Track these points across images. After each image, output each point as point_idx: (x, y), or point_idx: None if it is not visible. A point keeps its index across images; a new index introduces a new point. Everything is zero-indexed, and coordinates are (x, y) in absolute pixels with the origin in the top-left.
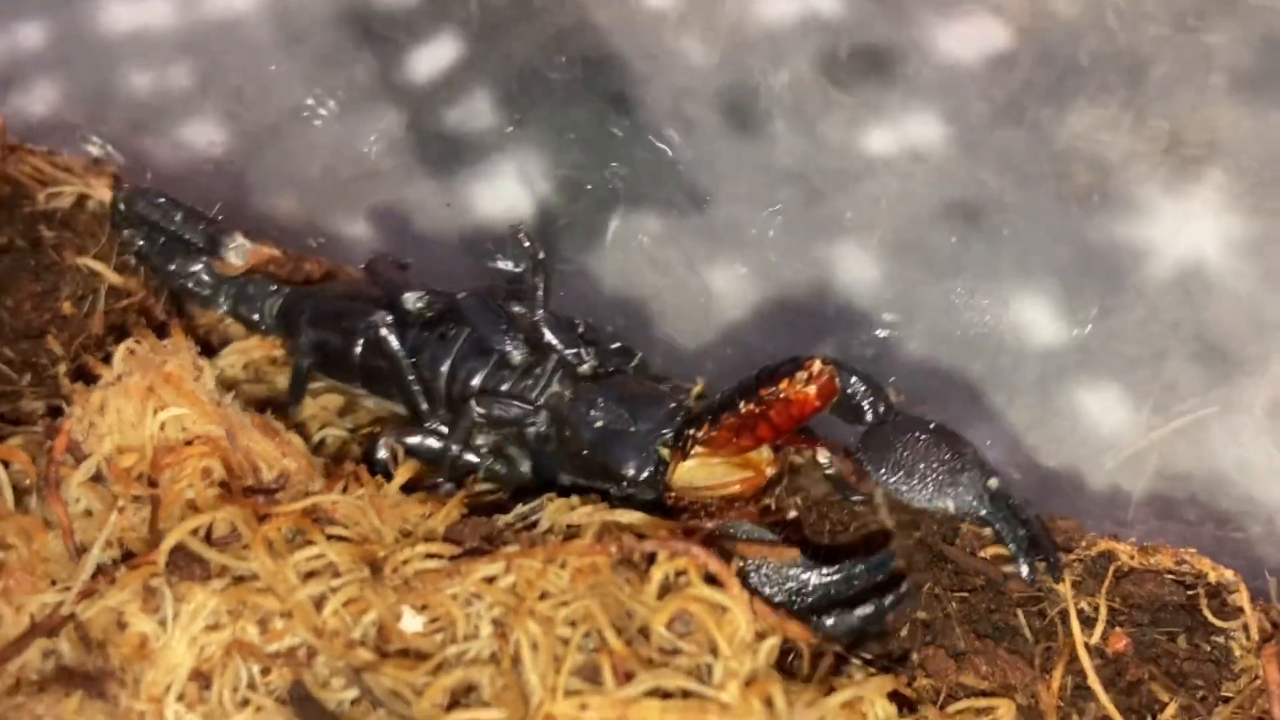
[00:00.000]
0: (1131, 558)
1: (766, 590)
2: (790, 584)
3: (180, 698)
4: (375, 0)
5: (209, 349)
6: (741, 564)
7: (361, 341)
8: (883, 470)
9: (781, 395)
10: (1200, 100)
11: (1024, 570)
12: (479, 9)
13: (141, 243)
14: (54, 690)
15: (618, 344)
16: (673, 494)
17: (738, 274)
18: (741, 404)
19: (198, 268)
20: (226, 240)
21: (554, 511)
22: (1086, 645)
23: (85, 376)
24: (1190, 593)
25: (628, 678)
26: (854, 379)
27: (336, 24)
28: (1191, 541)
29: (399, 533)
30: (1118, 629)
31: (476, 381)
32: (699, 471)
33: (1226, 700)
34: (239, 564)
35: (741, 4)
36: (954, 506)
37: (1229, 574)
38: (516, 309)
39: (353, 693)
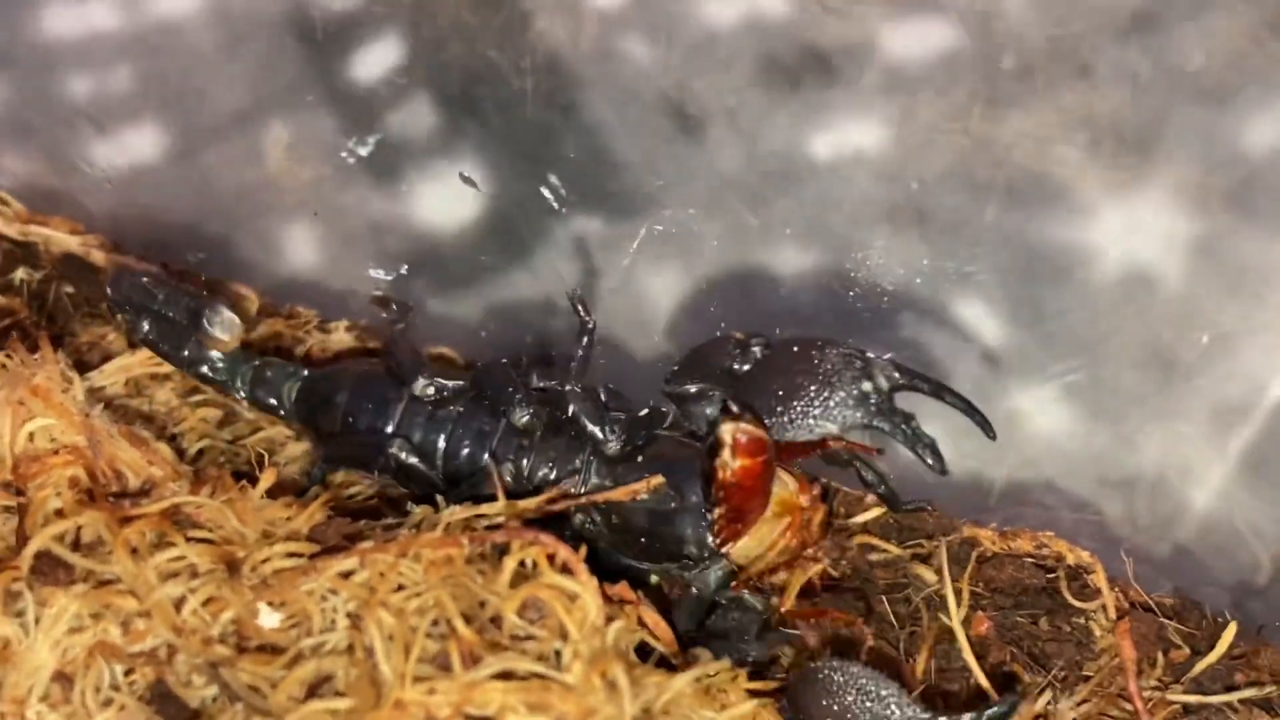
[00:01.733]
0: (993, 543)
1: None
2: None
3: (44, 699)
4: (318, 3)
5: (88, 366)
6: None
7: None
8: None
9: (729, 482)
10: (1146, 102)
11: (932, 465)
12: (422, 12)
13: (144, 327)
14: None
15: (646, 410)
16: (745, 574)
17: (682, 277)
18: (713, 491)
19: (212, 353)
20: (211, 315)
21: (422, 512)
22: (947, 629)
23: None
24: (1050, 575)
25: (476, 663)
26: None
27: (278, 27)
28: (1050, 526)
29: (261, 534)
30: (980, 612)
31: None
32: (751, 543)
33: (1087, 679)
34: (102, 568)
35: (685, 5)
36: (836, 426)
37: (1086, 556)
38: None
39: (213, 689)
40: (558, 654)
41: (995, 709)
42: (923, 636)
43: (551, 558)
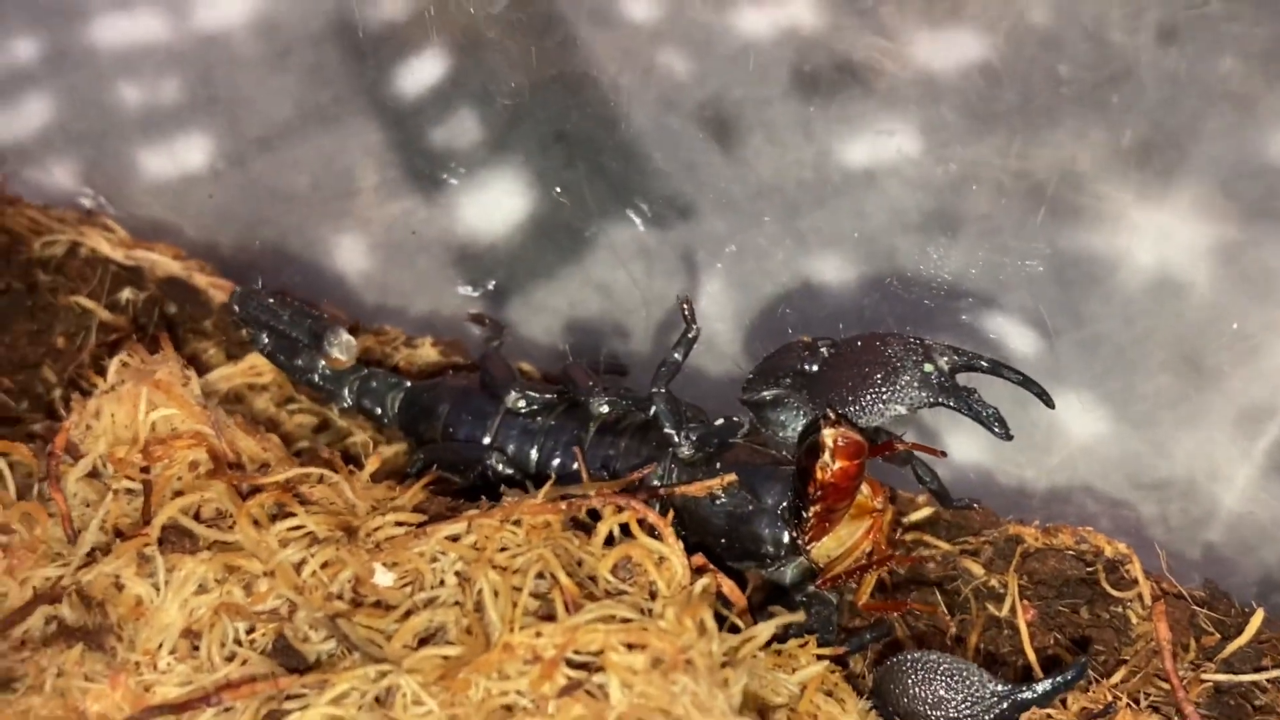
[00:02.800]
0: (1036, 539)
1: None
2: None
3: (173, 652)
4: (362, 17)
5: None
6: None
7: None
8: (829, 404)
9: (828, 482)
10: (1173, 111)
11: (998, 433)
12: (464, 26)
13: (265, 339)
14: (57, 644)
15: (721, 420)
16: (825, 575)
17: (719, 286)
18: (810, 490)
19: (320, 363)
20: (331, 337)
21: (516, 493)
22: (997, 618)
23: (82, 393)
24: (1089, 568)
25: (578, 610)
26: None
27: (324, 40)
28: (1088, 523)
29: (371, 508)
30: (1025, 601)
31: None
32: (831, 543)
33: (1125, 662)
34: (225, 536)
35: (720, 17)
36: (905, 408)
37: (1123, 548)
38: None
39: (331, 644)
40: (648, 611)
41: (1070, 672)
42: (972, 624)
43: (641, 522)
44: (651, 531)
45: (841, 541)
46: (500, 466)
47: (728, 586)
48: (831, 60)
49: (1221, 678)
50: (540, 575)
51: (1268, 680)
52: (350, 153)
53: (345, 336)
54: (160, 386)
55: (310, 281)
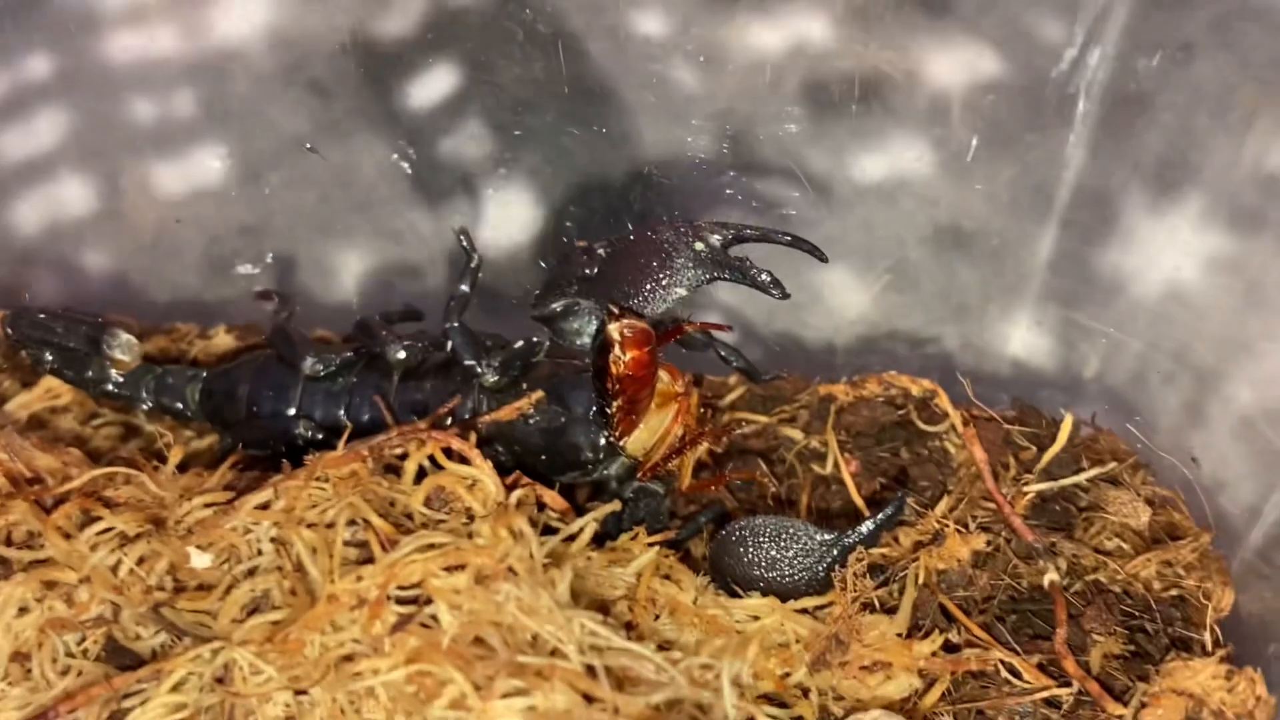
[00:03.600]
0: (847, 394)
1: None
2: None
3: (5, 678)
4: (373, 31)
5: None
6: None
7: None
8: (615, 299)
9: (623, 375)
10: (1183, 126)
11: (774, 294)
12: (474, 40)
13: (48, 358)
14: None
15: (520, 341)
16: (645, 466)
17: (730, 300)
18: (609, 386)
19: (111, 370)
20: (109, 339)
21: (320, 453)
22: (824, 476)
23: None
24: (901, 410)
25: (395, 548)
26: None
27: (335, 54)
28: (892, 366)
29: (179, 496)
30: (846, 455)
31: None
32: (643, 434)
33: (950, 492)
34: (36, 554)
35: (731, 32)
36: (685, 288)
37: (929, 384)
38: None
39: (161, 636)
40: (469, 534)
41: (889, 508)
42: (801, 486)
43: (448, 452)
44: (461, 460)
45: (653, 431)
46: (310, 433)
47: (549, 495)
48: (841, 75)
49: (1042, 486)
50: (353, 522)
51: (1087, 480)
52: (361, 167)
53: (124, 336)
54: None
55: (317, 295)
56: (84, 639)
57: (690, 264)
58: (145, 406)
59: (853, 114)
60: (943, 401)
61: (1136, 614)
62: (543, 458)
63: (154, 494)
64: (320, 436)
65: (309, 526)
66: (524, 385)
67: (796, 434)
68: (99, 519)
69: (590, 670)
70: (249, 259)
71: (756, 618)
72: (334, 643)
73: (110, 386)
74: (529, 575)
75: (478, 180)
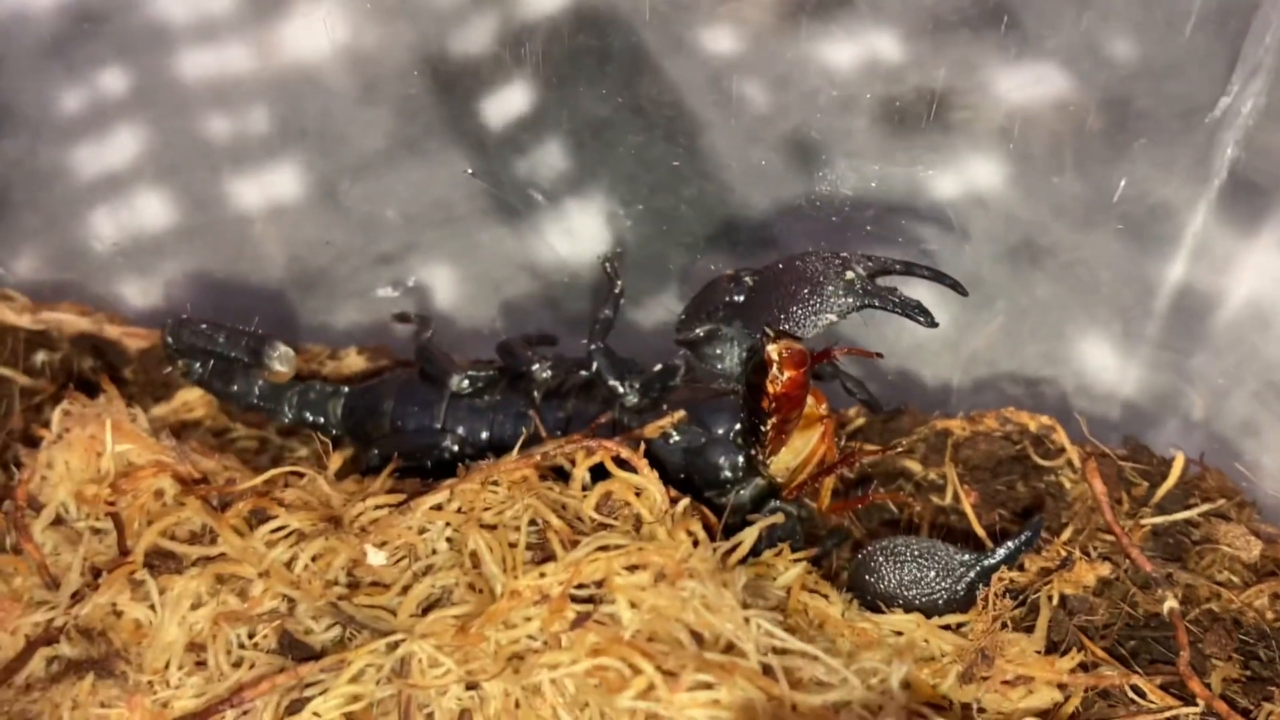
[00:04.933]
0: (963, 429)
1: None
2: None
3: (180, 667)
4: (449, 49)
5: None
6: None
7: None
8: (767, 323)
9: (780, 394)
10: (1257, 140)
11: (923, 321)
12: (549, 58)
13: (199, 369)
14: (66, 680)
15: (659, 365)
16: (789, 487)
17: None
18: (764, 406)
19: (259, 384)
20: (270, 350)
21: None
22: (943, 508)
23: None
24: (1017, 446)
25: (574, 547)
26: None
27: (411, 72)
28: (1008, 403)
29: (344, 500)
30: (965, 487)
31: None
32: (787, 456)
33: (1067, 524)
34: (209, 550)
35: (803, 49)
36: (835, 315)
37: (1046, 420)
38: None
39: (335, 631)
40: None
41: (1028, 532)
42: (921, 517)
43: (617, 460)
44: (625, 468)
45: (797, 452)
46: (456, 448)
47: (702, 509)
48: (914, 92)
49: (1158, 520)
50: (531, 523)
51: (1199, 515)
52: (439, 183)
53: (284, 348)
54: (111, 425)
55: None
56: (255, 632)
57: (840, 291)
58: (286, 419)
59: (924, 130)
60: (1060, 437)
61: (1251, 641)
62: (681, 476)
63: (322, 495)
64: (467, 451)
65: (485, 527)
66: (664, 406)
67: (916, 466)
68: (273, 517)
69: (767, 669)
70: (341, 276)
71: (900, 633)
72: (511, 638)
73: (254, 399)
74: (709, 576)
75: (555, 196)
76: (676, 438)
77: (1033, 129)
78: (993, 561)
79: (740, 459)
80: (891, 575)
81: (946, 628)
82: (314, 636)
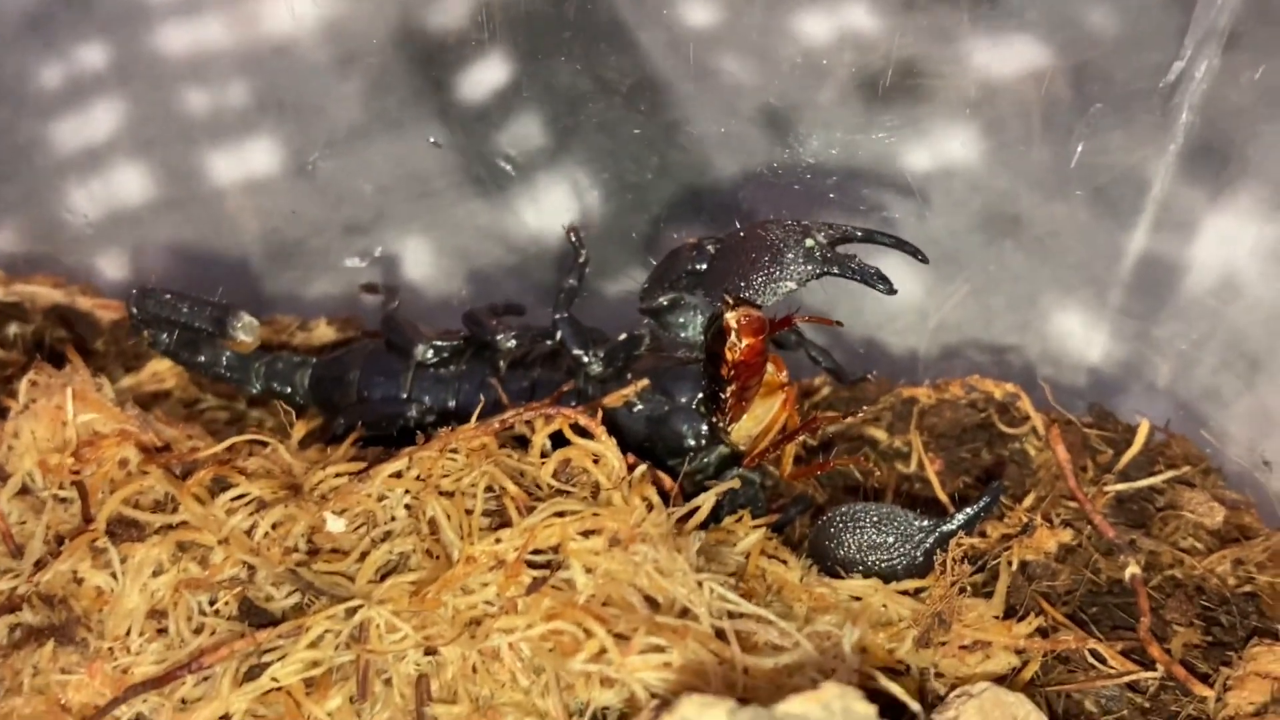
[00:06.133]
0: (929, 397)
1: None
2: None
3: (141, 634)
4: (426, 23)
5: None
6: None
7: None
8: (726, 291)
9: (739, 361)
10: (1231, 113)
11: (882, 288)
12: (526, 31)
13: (165, 339)
14: (27, 646)
15: (624, 335)
16: (751, 454)
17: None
18: (724, 373)
19: (225, 354)
20: (233, 320)
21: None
22: (907, 475)
23: None
24: (982, 413)
25: (530, 513)
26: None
27: (389, 46)
28: (975, 372)
29: (306, 468)
30: (929, 455)
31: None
32: (749, 423)
33: (1031, 491)
34: (170, 519)
35: (780, 22)
36: (795, 283)
37: (1011, 387)
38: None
39: (295, 598)
40: (594, 499)
41: (986, 497)
42: (885, 484)
43: (574, 427)
44: (583, 435)
45: (759, 420)
46: (421, 416)
47: (662, 477)
48: (891, 64)
49: (1121, 487)
50: (489, 490)
51: (1163, 482)
52: (414, 156)
53: (248, 318)
54: (76, 395)
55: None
56: (216, 599)
57: (800, 259)
58: (254, 390)
59: (899, 102)
60: (1024, 405)
61: (1212, 607)
62: (644, 444)
63: (284, 464)
64: (431, 419)
65: (444, 493)
66: (628, 375)
67: (881, 434)
68: (233, 485)
69: (719, 633)
70: (316, 248)
71: (858, 599)
72: (468, 603)
73: (221, 369)
74: (662, 540)
75: (531, 170)
76: (640, 406)
77: (1009, 100)
78: (951, 527)
79: (703, 426)
80: (851, 541)
81: (905, 593)
82: (274, 603)
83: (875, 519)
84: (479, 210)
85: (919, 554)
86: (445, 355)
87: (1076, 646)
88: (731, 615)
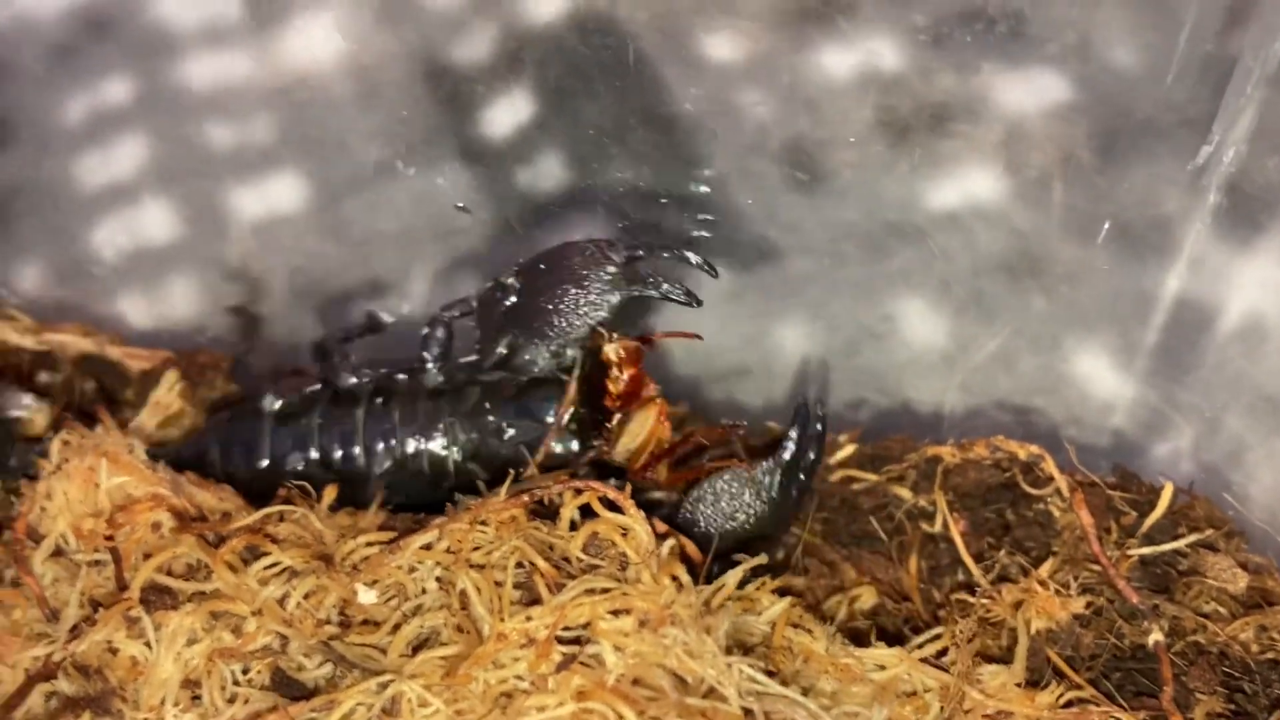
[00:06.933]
0: (953, 455)
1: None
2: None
3: (176, 704)
4: (450, 59)
5: None
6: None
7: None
8: (533, 334)
9: (623, 392)
10: (1256, 153)
11: (687, 303)
12: (551, 68)
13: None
14: (63, 717)
15: (472, 355)
16: (634, 469)
17: (804, 328)
18: (609, 405)
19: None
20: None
21: (468, 500)
22: (932, 535)
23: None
24: (1007, 473)
25: (560, 590)
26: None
27: (413, 81)
28: (1000, 432)
29: (337, 535)
30: (954, 515)
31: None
32: (625, 440)
33: (1055, 553)
34: (203, 586)
35: (803, 59)
36: (607, 311)
37: (1035, 449)
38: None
39: (327, 669)
40: (624, 579)
41: (801, 417)
42: (910, 544)
43: (603, 500)
44: (611, 506)
45: (635, 435)
46: (292, 478)
47: (690, 547)
48: (914, 101)
49: (1145, 551)
50: (519, 565)
51: (1186, 545)
52: (439, 194)
53: (29, 399)
54: (108, 457)
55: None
56: (249, 668)
57: (605, 286)
58: None
59: (925, 140)
60: (1049, 466)
61: (1236, 675)
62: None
63: (315, 530)
64: (302, 478)
65: (474, 567)
66: (487, 406)
67: (905, 492)
68: (266, 554)
69: (748, 714)
70: (339, 288)
71: (883, 667)
72: (499, 679)
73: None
74: (692, 622)
75: (555, 207)
76: (512, 433)
77: (1033, 138)
78: (788, 455)
79: (574, 444)
80: (714, 514)
81: (927, 661)
82: (306, 674)
83: (723, 487)
84: (502, 249)
85: (776, 494)
86: (295, 404)
87: (1100, 718)
88: (759, 695)
